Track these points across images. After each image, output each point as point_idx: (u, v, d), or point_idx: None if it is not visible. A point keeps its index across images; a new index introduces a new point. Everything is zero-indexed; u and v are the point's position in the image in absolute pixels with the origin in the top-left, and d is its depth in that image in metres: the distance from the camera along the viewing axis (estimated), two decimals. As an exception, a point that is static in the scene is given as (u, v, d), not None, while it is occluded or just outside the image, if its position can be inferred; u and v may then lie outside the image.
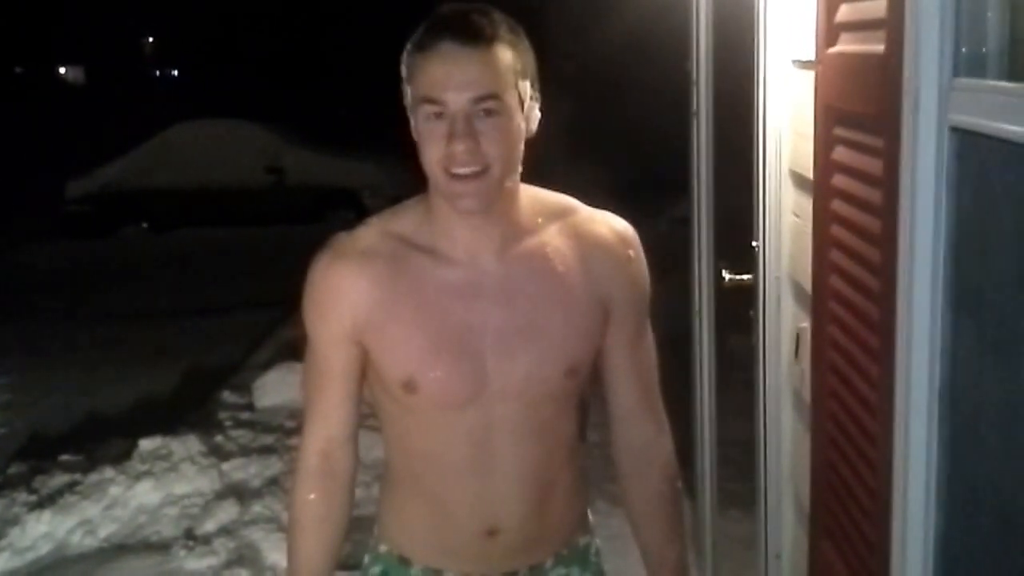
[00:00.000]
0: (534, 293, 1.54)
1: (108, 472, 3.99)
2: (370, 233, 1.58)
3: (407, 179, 11.01)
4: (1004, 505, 1.30)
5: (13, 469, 4.81)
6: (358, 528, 4.06)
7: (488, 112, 1.43)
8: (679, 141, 3.42)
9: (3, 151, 17.01)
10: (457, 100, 1.42)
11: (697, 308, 3.34)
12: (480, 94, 1.42)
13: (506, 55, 1.45)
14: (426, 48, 1.42)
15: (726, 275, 2.82)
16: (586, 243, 1.60)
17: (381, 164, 14.45)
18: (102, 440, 4.69)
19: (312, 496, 1.70)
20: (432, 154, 1.45)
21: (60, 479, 4.06)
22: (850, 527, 1.74)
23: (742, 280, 2.74)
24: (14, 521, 3.72)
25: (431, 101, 1.43)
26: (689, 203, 3.32)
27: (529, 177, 1.59)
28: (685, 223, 3.54)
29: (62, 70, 40.84)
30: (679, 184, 4.02)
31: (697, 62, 3.10)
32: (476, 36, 1.42)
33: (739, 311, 3.37)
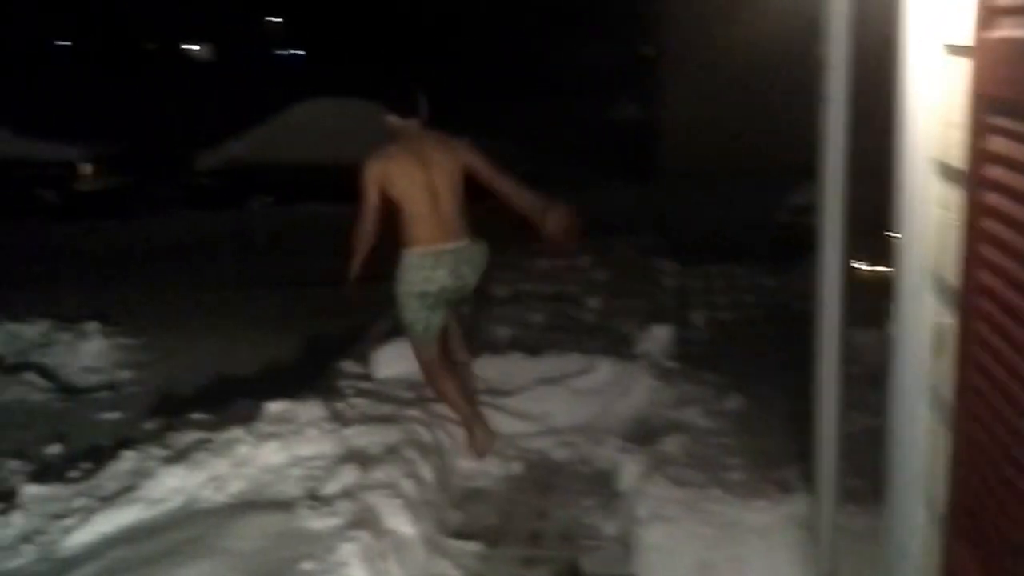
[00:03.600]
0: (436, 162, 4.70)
1: (236, 432, 4.14)
2: (387, 149, 4.71)
3: (523, 156, 10.99)
4: None
5: (147, 425, 5.06)
6: (472, 498, 4.14)
7: None
8: (800, 126, 3.37)
9: (135, 124, 17.63)
10: None
11: (823, 299, 3.30)
12: None
13: None
14: None
15: (859, 266, 2.79)
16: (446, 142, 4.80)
17: (498, 141, 14.54)
18: (229, 401, 4.87)
19: (367, 228, 4.66)
20: None
21: (191, 436, 4.23)
22: (992, 531, 1.70)
23: (878, 272, 2.69)
24: (148, 474, 3.89)
25: None
26: (818, 192, 3.27)
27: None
28: (807, 211, 3.49)
29: (191, 47, 42.07)
30: (801, 171, 3.96)
31: (832, 45, 3.05)
32: None
33: (862, 303, 3.32)
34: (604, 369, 5.30)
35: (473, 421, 4.69)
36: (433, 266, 4.64)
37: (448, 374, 4.77)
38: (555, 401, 5.06)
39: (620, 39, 24.46)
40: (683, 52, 14.59)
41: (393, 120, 4.79)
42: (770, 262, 7.82)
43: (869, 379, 4.44)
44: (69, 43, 34.87)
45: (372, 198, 4.61)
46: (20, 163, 13.31)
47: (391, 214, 4.67)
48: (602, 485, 4.34)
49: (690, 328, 6.41)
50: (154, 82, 26.23)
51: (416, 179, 4.61)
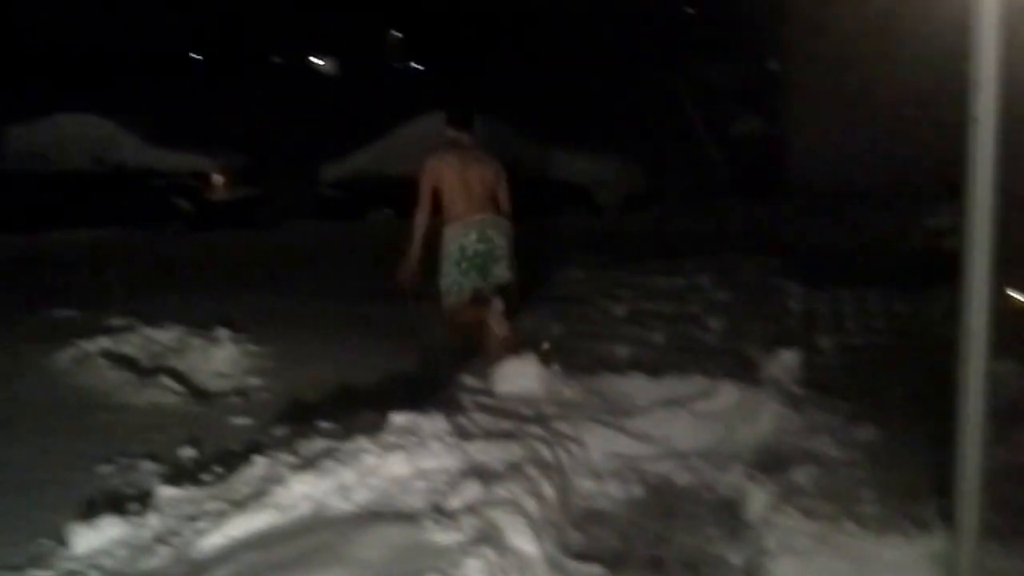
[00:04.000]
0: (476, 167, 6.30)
1: (362, 442, 4.20)
2: (440, 152, 6.31)
3: (639, 177, 11.07)
4: None
5: (276, 431, 5.18)
6: (593, 520, 4.11)
7: None
8: (932, 145, 3.27)
9: (264, 136, 18.17)
10: None
11: (968, 328, 3.18)
12: None
13: None
14: None
15: (1015, 295, 2.68)
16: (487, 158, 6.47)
17: (613, 162, 14.50)
18: (354, 411, 4.96)
19: (424, 217, 6.19)
20: None
21: (319, 444, 4.31)
22: None
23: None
24: (278, 480, 3.98)
25: None
26: (963, 215, 3.16)
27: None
28: (945, 234, 3.38)
29: (317, 61, 43.15)
30: (933, 192, 3.83)
31: (980, 62, 2.94)
32: None
33: (1002, 332, 3.18)
34: (728, 393, 5.21)
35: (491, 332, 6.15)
36: (464, 233, 6.19)
37: (475, 326, 6.23)
38: (677, 424, 5.00)
39: (744, 54, 24.16)
40: (808, 67, 14.32)
41: (450, 131, 6.47)
42: (904, 287, 7.57)
43: (1010, 412, 4.28)
44: (201, 56, 36.17)
45: (427, 190, 6.22)
46: (157, 173, 13.88)
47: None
48: (727, 513, 4.26)
49: (818, 353, 6.25)
50: (282, 95, 26.98)
51: (458, 175, 6.21)
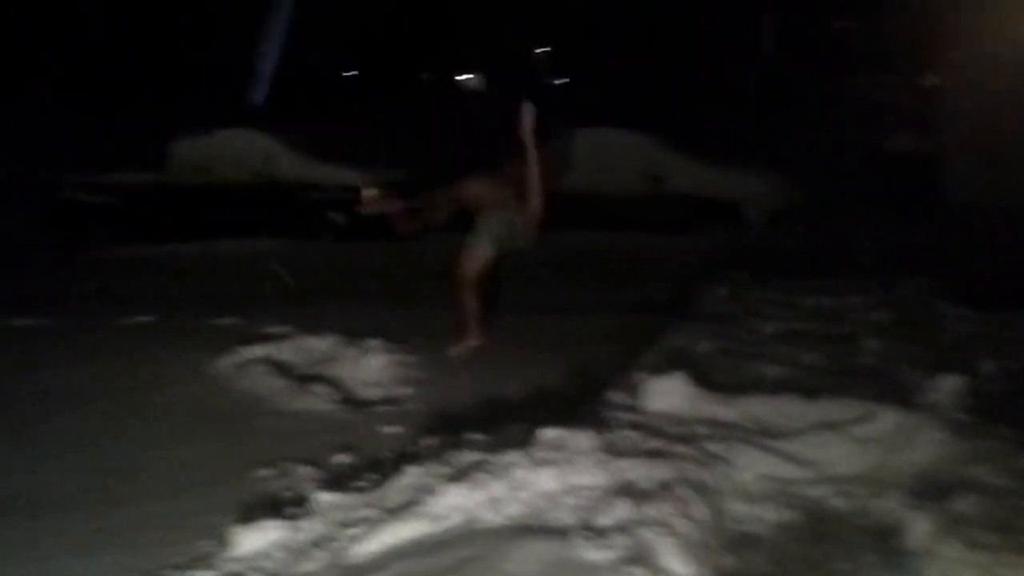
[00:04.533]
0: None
1: (513, 455, 4.23)
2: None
3: (788, 193, 10.86)
4: None
5: (427, 441, 5.27)
6: (745, 543, 4.04)
7: None
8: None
9: (413, 150, 18.55)
10: None
11: None
12: None
13: None
14: None
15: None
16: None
17: (763, 177, 14.25)
18: (503, 423, 5.00)
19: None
20: None
21: (470, 456, 4.36)
22: None
23: None
24: (430, 490, 4.04)
25: None
26: None
27: None
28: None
29: (463, 77, 43.91)
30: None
31: None
32: None
33: None
34: (886, 417, 5.03)
35: (471, 330, 7.48)
36: (512, 222, 7.55)
37: (477, 293, 7.54)
38: (832, 448, 4.85)
39: (898, 68, 23.43)
40: (967, 80, 13.77)
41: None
42: None
43: None
44: (355, 73, 37.26)
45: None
46: (312, 186, 14.38)
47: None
48: (885, 541, 4.10)
49: (980, 378, 5.97)
50: (431, 111, 27.53)
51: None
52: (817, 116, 22.92)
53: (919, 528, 3.90)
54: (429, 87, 39.33)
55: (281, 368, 6.91)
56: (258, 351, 7.13)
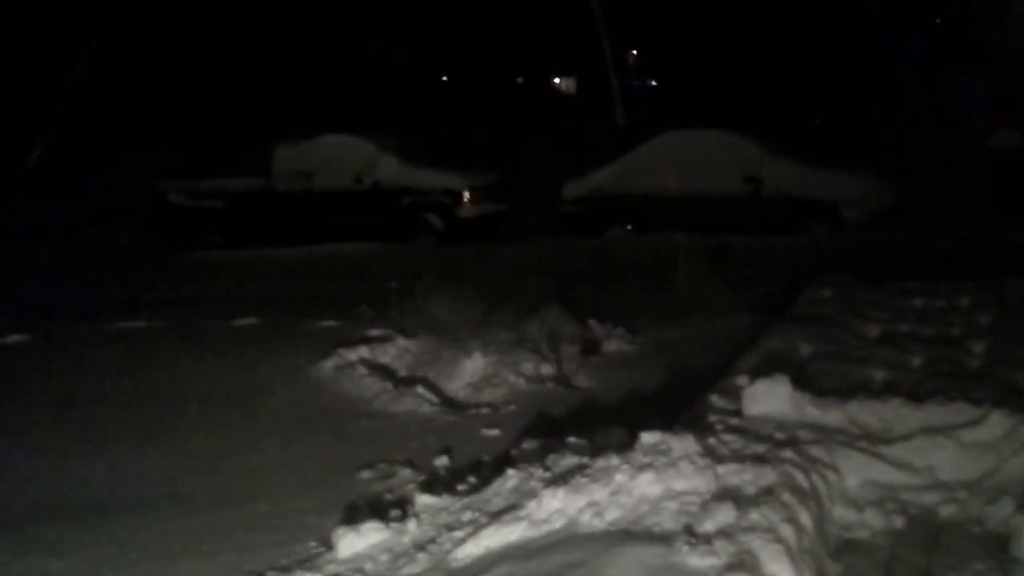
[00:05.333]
0: None
1: (613, 459, 4.21)
2: None
3: (887, 192, 10.65)
4: None
5: (526, 444, 5.30)
6: (851, 550, 3.97)
7: None
8: None
9: (510, 154, 18.67)
10: None
11: None
12: None
13: None
14: None
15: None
16: None
17: (863, 176, 13.94)
18: (602, 427, 5.00)
19: None
20: None
21: (569, 460, 4.37)
22: None
23: None
24: (531, 494, 4.06)
25: None
26: None
27: None
28: None
29: (557, 80, 43.98)
30: None
31: None
32: None
33: None
34: (996, 422, 4.87)
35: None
36: None
37: None
38: (941, 453, 4.72)
39: (1004, 64, 22.70)
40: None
41: None
42: None
43: None
44: (450, 78, 37.64)
45: None
46: (410, 191, 14.56)
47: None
48: (996, 549, 3.99)
49: (1098, 382, 5.75)
50: (527, 115, 27.66)
51: None
52: (921, 114, 22.34)
53: (1033, 538, 3.78)
54: (524, 90, 39.50)
55: (381, 371, 7.03)
56: (359, 354, 7.25)
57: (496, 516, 3.99)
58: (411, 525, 4.22)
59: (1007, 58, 21.55)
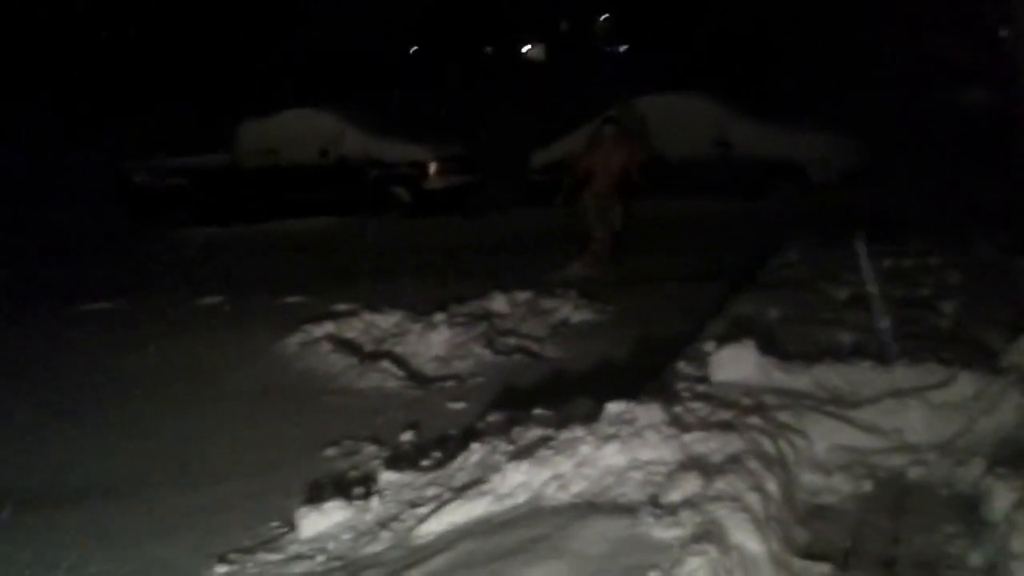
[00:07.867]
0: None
1: (577, 431, 4.15)
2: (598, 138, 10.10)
3: (856, 152, 10.57)
4: None
5: (491, 418, 5.23)
6: (819, 516, 3.92)
7: None
8: None
9: (476, 125, 18.51)
10: None
11: None
12: None
13: None
14: None
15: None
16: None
17: (831, 137, 13.91)
18: (568, 398, 4.94)
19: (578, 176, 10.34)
20: None
21: (534, 432, 4.30)
22: None
23: None
24: (495, 468, 3.99)
25: None
26: None
27: None
28: None
29: (526, 48, 43.66)
30: None
31: None
32: None
33: None
34: (965, 382, 4.85)
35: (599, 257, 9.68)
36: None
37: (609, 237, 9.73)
38: (909, 415, 4.69)
39: (970, 21, 22.66)
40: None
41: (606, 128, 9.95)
42: None
43: None
44: (417, 48, 37.26)
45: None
46: (376, 163, 14.39)
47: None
48: (965, 511, 3.96)
49: (1065, 339, 5.74)
50: (494, 84, 27.45)
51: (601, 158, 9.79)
52: (888, 72, 22.31)
53: (1001, 497, 3.75)
54: (492, 60, 39.21)
55: (347, 346, 6.93)
56: (324, 329, 7.15)
57: (460, 491, 3.92)
58: (374, 503, 4.14)
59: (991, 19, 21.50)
